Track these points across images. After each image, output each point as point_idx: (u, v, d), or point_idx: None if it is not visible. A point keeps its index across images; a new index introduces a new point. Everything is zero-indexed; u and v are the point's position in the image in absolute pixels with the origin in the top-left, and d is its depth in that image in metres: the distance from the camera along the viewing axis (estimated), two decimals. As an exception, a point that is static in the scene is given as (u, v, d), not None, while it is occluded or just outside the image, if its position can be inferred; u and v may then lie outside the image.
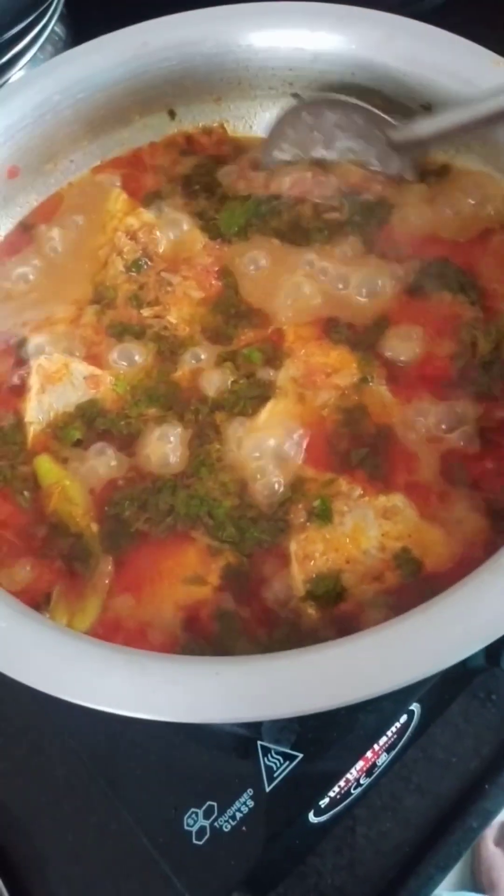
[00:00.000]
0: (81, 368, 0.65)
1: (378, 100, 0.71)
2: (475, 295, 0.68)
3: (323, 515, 0.57)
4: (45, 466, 0.62)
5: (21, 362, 0.68)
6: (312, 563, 0.55)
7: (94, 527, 0.59)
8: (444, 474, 0.59)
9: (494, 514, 0.57)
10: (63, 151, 0.77)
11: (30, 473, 0.62)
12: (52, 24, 0.82)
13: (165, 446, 0.62)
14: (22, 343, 0.69)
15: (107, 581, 0.57)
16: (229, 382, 0.64)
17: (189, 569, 0.57)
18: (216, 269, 0.71)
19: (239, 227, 0.73)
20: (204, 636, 0.55)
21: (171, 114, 0.79)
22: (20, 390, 0.67)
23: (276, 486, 0.59)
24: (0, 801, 0.78)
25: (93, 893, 0.74)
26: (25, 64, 0.81)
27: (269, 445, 0.60)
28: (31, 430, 0.64)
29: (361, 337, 0.66)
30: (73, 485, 0.61)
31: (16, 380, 0.67)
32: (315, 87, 0.76)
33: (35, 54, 0.81)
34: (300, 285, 0.69)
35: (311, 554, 0.55)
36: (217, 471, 0.60)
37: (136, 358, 0.67)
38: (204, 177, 0.78)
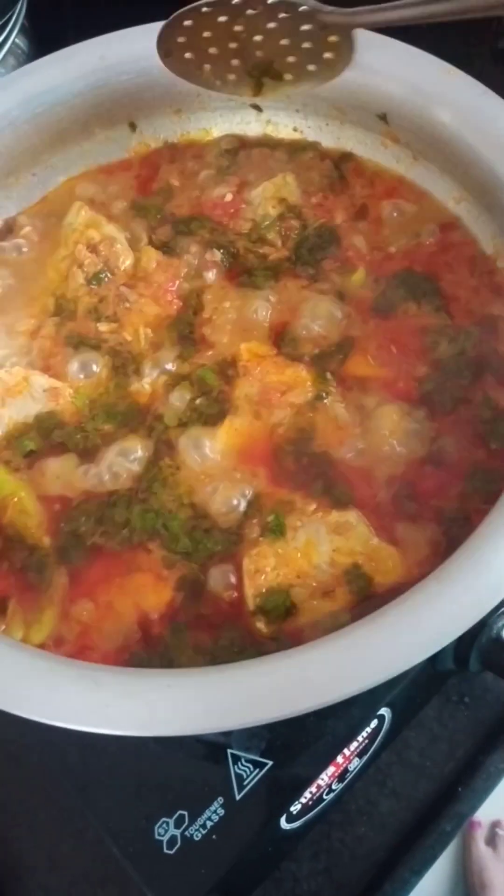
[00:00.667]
0: (42, 381, 0.66)
1: (335, 110, 0.72)
2: (439, 301, 0.68)
3: (276, 530, 0.57)
4: (1, 477, 0.62)
5: None
6: (263, 577, 0.56)
7: (47, 540, 0.59)
8: (398, 492, 0.59)
9: (446, 529, 0.57)
10: (24, 166, 0.77)
11: None
12: (13, 37, 0.82)
13: (121, 461, 0.62)
14: None
15: (62, 593, 0.57)
16: (187, 399, 0.65)
17: (144, 580, 0.57)
18: (172, 287, 0.71)
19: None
20: (154, 647, 0.55)
21: (132, 126, 0.80)
22: None
23: (235, 501, 0.60)
24: (-23, 812, 0.78)
25: (70, 901, 0.74)
26: (-12, 78, 0.81)
27: (225, 464, 0.61)
28: None
29: (322, 356, 0.66)
30: (28, 497, 0.61)
31: None
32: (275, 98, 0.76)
33: (-4, 69, 0.82)
34: (257, 309, 0.69)
35: (262, 568, 0.56)
36: (171, 485, 0.60)
37: (94, 368, 0.67)
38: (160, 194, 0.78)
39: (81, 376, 0.67)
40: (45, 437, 0.64)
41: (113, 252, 0.72)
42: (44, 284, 0.73)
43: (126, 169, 0.81)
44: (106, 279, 0.72)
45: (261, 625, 0.55)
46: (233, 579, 0.57)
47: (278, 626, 0.54)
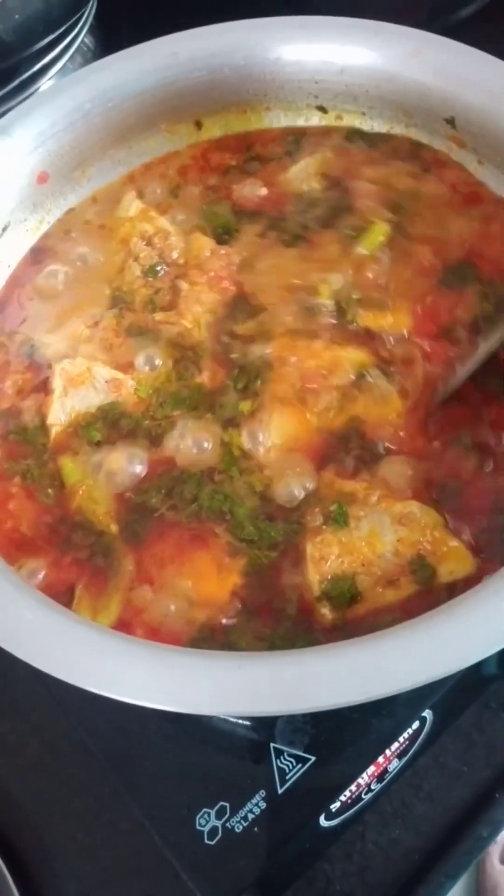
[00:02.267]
0: (104, 372, 0.67)
1: (402, 113, 0.73)
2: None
3: (339, 519, 0.58)
4: (69, 466, 0.63)
5: (44, 365, 0.69)
6: (328, 564, 0.56)
7: (115, 527, 0.60)
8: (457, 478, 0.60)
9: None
10: (91, 159, 0.78)
11: (54, 472, 0.63)
12: (82, 35, 0.84)
13: (194, 442, 0.63)
14: (44, 347, 0.70)
15: (128, 579, 0.57)
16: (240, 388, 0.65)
17: (207, 567, 0.58)
18: (227, 273, 0.72)
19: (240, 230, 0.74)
20: (216, 632, 0.55)
21: (198, 124, 0.81)
22: (44, 392, 0.68)
23: (297, 491, 0.60)
24: (12, 797, 0.78)
25: (102, 890, 0.74)
26: (56, 73, 0.83)
27: (284, 455, 0.62)
28: (53, 431, 0.65)
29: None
30: (96, 484, 0.62)
31: (39, 382, 0.69)
32: (341, 99, 0.77)
33: (65, 64, 0.83)
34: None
35: (326, 556, 0.56)
36: (246, 472, 0.61)
37: (157, 362, 0.68)
38: (219, 189, 0.79)
39: (146, 368, 0.68)
40: (112, 427, 0.65)
41: (167, 244, 0.74)
42: (101, 276, 0.74)
43: (181, 160, 0.82)
44: (162, 272, 0.73)
45: (325, 611, 0.55)
46: (296, 568, 0.57)
47: (342, 613, 0.55)
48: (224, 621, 0.56)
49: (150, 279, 0.73)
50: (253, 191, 0.78)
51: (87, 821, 0.77)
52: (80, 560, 0.59)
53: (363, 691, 0.44)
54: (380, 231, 0.72)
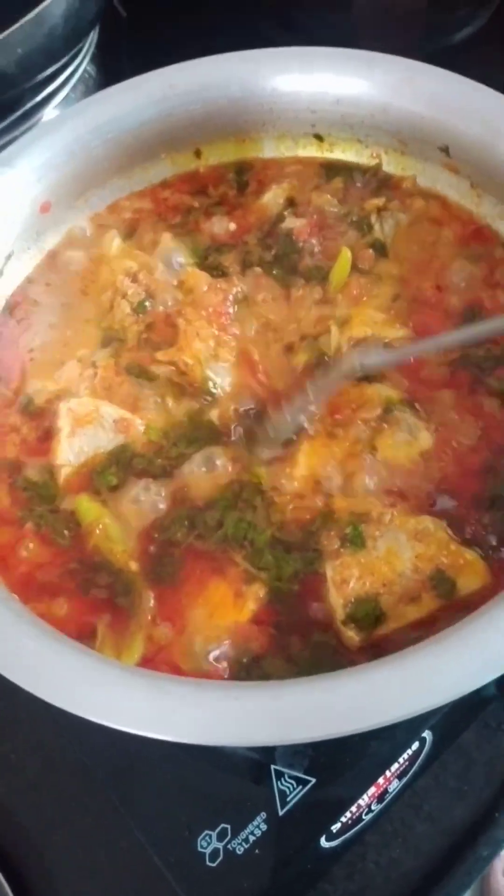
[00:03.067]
0: (111, 411, 0.67)
1: (397, 141, 0.74)
2: None
3: (356, 541, 0.58)
4: (85, 505, 0.63)
5: (45, 412, 0.69)
6: (350, 586, 0.57)
7: (134, 565, 0.60)
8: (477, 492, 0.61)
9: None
10: (92, 188, 0.79)
11: (68, 513, 0.64)
12: (84, 64, 0.86)
13: (209, 472, 0.64)
14: (43, 392, 0.70)
15: (149, 617, 0.58)
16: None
17: (225, 597, 0.59)
18: (226, 308, 0.72)
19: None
20: (243, 661, 0.56)
21: (198, 153, 0.82)
22: (44, 438, 0.68)
23: (308, 516, 0.61)
24: (12, 816, 0.79)
25: (101, 910, 0.75)
26: (59, 102, 0.84)
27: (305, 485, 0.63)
28: (63, 473, 0.65)
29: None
30: (112, 523, 0.62)
31: (42, 433, 0.68)
32: (337, 128, 0.78)
33: (68, 94, 0.85)
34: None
35: (347, 578, 0.57)
36: (266, 501, 0.62)
37: (164, 402, 0.68)
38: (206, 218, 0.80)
39: (153, 410, 0.68)
40: (126, 468, 0.65)
41: (153, 279, 0.74)
42: (88, 316, 0.75)
43: (170, 189, 0.83)
44: (150, 307, 0.73)
45: (352, 633, 0.56)
46: (317, 593, 0.58)
47: (368, 634, 0.56)
48: (249, 650, 0.57)
49: (141, 315, 0.73)
50: (223, 225, 0.79)
51: (88, 840, 0.77)
52: (99, 600, 0.60)
53: (351, 724, 0.45)
54: (345, 258, 0.73)
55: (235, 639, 0.57)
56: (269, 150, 0.82)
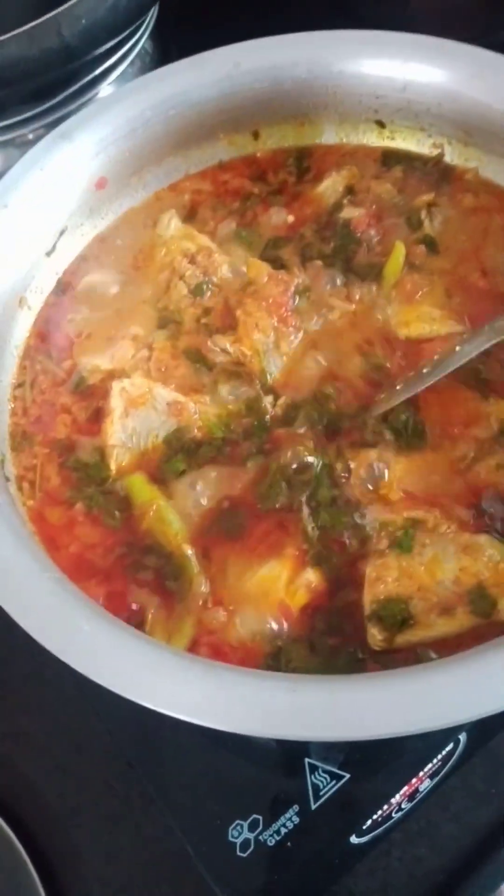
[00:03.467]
0: (164, 394, 0.66)
1: (462, 132, 0.72)
2: None
3: (403, 545, 0.57)
4: (138, 486, 0.63)
5: (91, 391, 0.69)
6: (383, 586, 0.56)
7: (188, 548, 0.59)
8: None
9: None
10: (148, 165, 0.78)
11: (119, 494, 0.63)
12: (143, 41, 0.84)
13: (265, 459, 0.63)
14: (95, 371, 0.70)
15: (201, 602, 0.57)
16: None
17: (279, 583, 0.58)
18: (286, 299, 0.71)
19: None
20: (276, 644, 0.56)
21: (256, 135, 0.81)
22: (94, 418, 0.68)
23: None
24: (39, 797, 0.79)
25: (125, 894, 0.75)
26: (116, 78, 0.83)
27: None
28: (115, 453, 0.65)
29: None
30: (166, 505, 0.61)
31: (92, 413, 0.68)
32: (401, 115, 0.77)
33: (125, 69, 0.83)
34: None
35: (383, 577, 0.56)
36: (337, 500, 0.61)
37: (224, 390, 0.67)
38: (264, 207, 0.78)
39: (207, 397, 0.67)
40: (192, 455, 0.64)
41: (211, 262, 0.73)
42: (144, 295, 0.74)
43: (231, 173, 0.82)
44: (208, 291, 0.72)
45: (374, 631, 0.55)
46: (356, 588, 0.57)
47: (391, 636, 0.55)
48: (288, 639, 0.56)
49: (198, 298, 0.72)
50: (281, 217, 0.77)
51: (113, 824, 0.77)
52: (148, 583, 0.59)
53: (413, 724, 0.44)
54: (399, 253, 0.72)
55: (278, 623, 0.57)
56: (329, 134, 0.81)
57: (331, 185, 0.78)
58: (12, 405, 0.68)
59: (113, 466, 0.64)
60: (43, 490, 0.64)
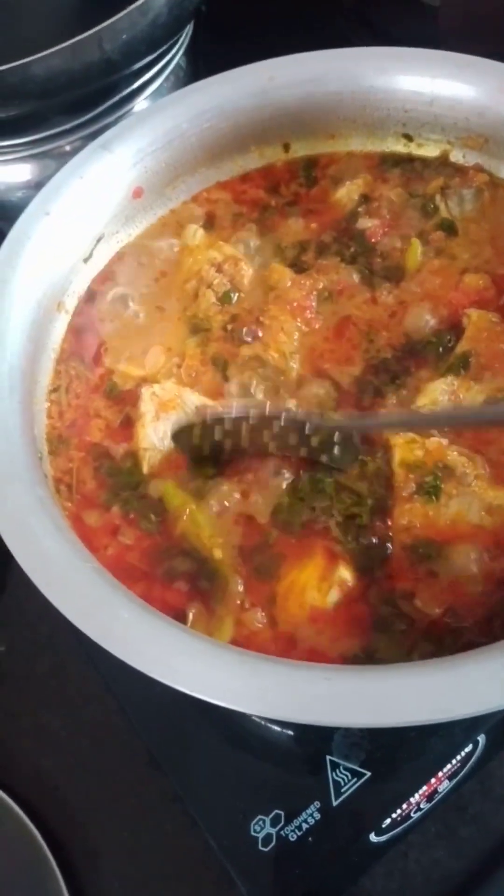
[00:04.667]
0: (193, 398, 0.67)
1: (492, 145, 0.74)
2: None
3: (432, 493, 0.59)
4: (171, 491, 0.64)
5: (122, 396, 0.70)
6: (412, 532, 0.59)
7: (218, 552, 0.61)
8: None
9: None
10: (182, 176, 0.80)
11: (154, 498, 0.64)
12: (179, 56, 0.87)
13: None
14: (127, 378, 0.71)
15: (238, 602, 0.59)
16: None
17: (315, 578, 0.59)
18: (310, 303, 0.72)
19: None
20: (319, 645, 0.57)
21: (286, 147, 0.83)
22: (125, 423, 0.69)
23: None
24: (60, 793, 0.80)
25: (144, 891, 0.75)
26: (152, 92, 0.86)
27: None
28: (147, 456, 0.66)
29: None
30: (198, 509, 0.63)
31: (125, 418, 0.69)
32: (427, 129, 0.79)
33: (161, 84, 0.86)
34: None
35: (410, 527, 0.59)
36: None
37: (252, 392, 0.69)
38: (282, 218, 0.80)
39: (236, 400, 0.68)
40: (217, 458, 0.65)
41: (237, 270, 0.75)
42: (173, 304, 0.76)
43: (249, 184, 0.84)
44: (235, 298, 0.74)
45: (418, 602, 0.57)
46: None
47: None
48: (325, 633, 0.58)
49: (226, 306, 0.74)
50: (300, 224, 0.79)
51: (134, 821, 0.78)
52: (186, 585, 0.60)
53: (444, 712, 0.45)
54: (415, 250, 0.74)
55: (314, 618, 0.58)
56: (357, 147, 0.83)
57: (346, 194, 0.80)
58: (49, 408, 0.70)
59: (145, 469, 0.66)
60: (80, 493, 0.65)
